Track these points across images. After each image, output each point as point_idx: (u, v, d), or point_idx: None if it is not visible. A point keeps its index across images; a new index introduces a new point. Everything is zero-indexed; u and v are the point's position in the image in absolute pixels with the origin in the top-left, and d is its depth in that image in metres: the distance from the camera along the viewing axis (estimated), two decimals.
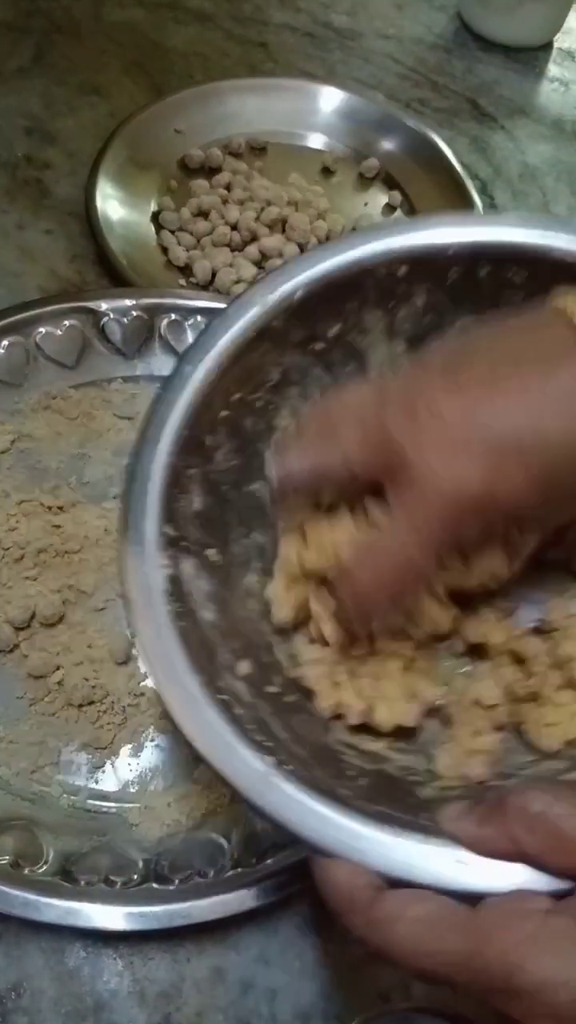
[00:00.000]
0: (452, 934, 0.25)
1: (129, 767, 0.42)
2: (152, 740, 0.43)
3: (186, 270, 0.61)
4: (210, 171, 0.66)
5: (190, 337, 0.53)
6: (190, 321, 0.53)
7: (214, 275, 0.60)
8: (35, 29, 0.75)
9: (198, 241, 0.62)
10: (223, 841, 0.39)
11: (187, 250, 0.61)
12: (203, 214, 0.63)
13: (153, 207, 0.64)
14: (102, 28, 0.77)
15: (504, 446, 0.29)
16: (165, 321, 0.53)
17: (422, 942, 0.26)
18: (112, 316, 0.52)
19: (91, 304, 0.52)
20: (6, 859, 0.37)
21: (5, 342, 0.50)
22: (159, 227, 0.63)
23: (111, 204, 0.61)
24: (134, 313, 0.52)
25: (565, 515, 0.33)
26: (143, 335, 0.53)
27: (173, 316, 0.53)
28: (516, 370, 0.30)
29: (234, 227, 0.62)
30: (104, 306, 0.52)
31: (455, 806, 0.28)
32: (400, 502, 0.30)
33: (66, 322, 0.51)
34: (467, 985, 0.25)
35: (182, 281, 0.60)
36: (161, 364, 0.53)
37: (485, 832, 0.27)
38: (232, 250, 0.61)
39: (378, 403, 0.31)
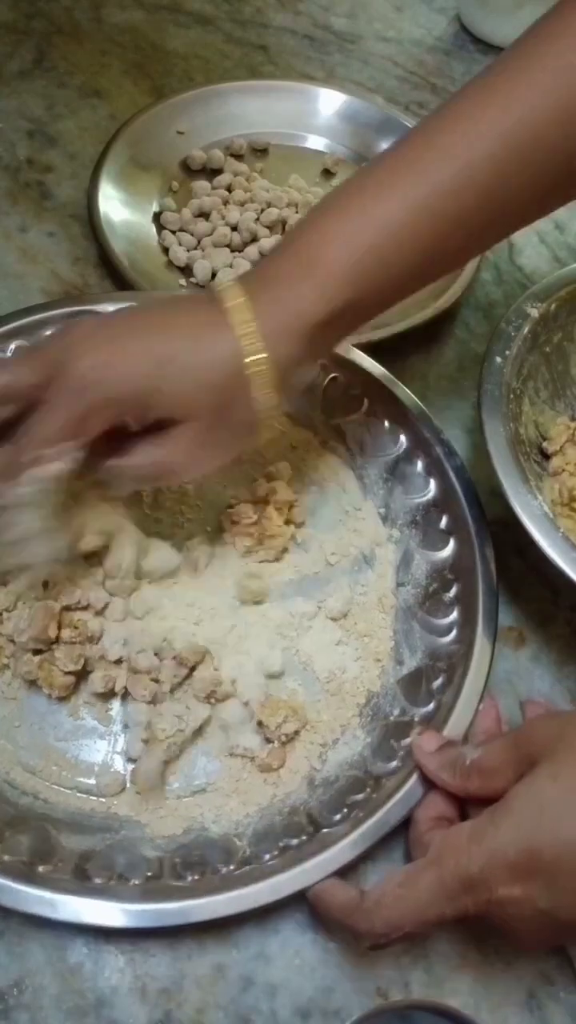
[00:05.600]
0: (422, 876, 0.34)
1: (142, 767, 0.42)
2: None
3: (186, 270, 0.61)
4: (211, 172, 0.67)
5: None
6: None
7: (214, 275, 0.60)
8: (36, 31, 0.75)
9: (199, 242, 0.62)
10: (235, 838, 0.39)
11: (188, 250, 0.61)
12: (204, 215, 0.64)
13: (154, 208, 0.64)
14: (103, 30, 0.77)
15: None
16: None
17: (406, 899, 0.34)
18: None
19: (97, 307, 0.52)
20: (21, 858, 0.37)
21: (12, 345, 0.50)
22: (160, 227, 0.63)
23: (113, 205, 0.61)
24: None
25: None
26: None
27: None
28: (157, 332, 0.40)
29: (234, 228, 0.62)
30: (110, 308, 0.52)
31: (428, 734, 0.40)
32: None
33: None
34: (457, 905, 0.33)
35: (182, 281, 0.60)
36: None
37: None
38: (232, 251, 0.62)
39: None
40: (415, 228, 0.39)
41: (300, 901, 0.39)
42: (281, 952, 0.38)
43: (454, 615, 0.45)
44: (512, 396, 0.49)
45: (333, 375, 0.52)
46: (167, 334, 0.39)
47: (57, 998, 0.37)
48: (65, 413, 0.38)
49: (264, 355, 0.39)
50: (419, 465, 0.50)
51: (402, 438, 0.50)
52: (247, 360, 0.38)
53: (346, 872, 0.38)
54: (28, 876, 0.36)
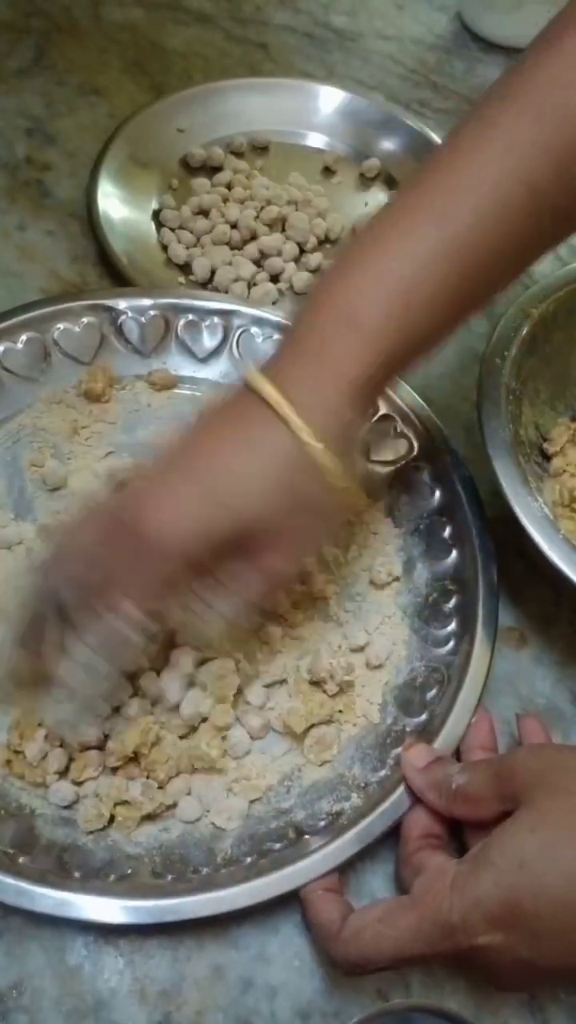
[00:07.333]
0: (402, 916, 0.34)
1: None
2: None
3: (186, 268, 0.61)
4: (211, 170, 0.67)
5: (206, 338, 0.53)
6: (207, 322, 0.53)
7: (213, 273, 0.60)
8: (35, 29, 0.75)
9: (198, 239, 0.62)
10: (218, 838, 0.39)
11: (187, 248, 0.61)
12: (203, 212, 0.63)
13: (154, 205, 0.64)
14: (102, 28, 0.77)
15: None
16: (182, 321, 0.53)
17: (384, 936, 0.34)
18: (130, 315, 0.52)
19: (110, 302, 0.52)
20: (1, 848, 0.37)
21: (24, 337, 0.50)
22: (159, 225, 0.63)
23: (112, 202, 0.61)
24: (152, 313, 0.52)
25: None
26: (160, 334, 0.53)
27: (190, 317, 0.53)
28: (217, 449, 0.38)
29: (234, 225, 0.62)
30: (123, 304, 0.52)
31: (418, 748, 0.40)
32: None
33: (84, 319, 0.51)
34: (435, 948, 0.33)
35: (181, 279, 0.60)
36: (176, 363, 0.53)
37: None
38: (231, 248, 0.62)
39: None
40: (445, 264, 0.37)
41: (298, 901, 0.38)
42: (281, 953, 0.38)
43: (452, 626, 0.45)
44: (512, 397, 0.49)
45: None
46: (225, 468, 0.37)
47: (56, 1000, 0.37)
48: (145, 576, 0.36)
49: (317, 438, 0.37)
50: (426, 474, 0.49)
51: (410, 445, 0.50)
52: (306, 449, 0.37)
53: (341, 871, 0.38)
54: (8, 867, 0.36)
